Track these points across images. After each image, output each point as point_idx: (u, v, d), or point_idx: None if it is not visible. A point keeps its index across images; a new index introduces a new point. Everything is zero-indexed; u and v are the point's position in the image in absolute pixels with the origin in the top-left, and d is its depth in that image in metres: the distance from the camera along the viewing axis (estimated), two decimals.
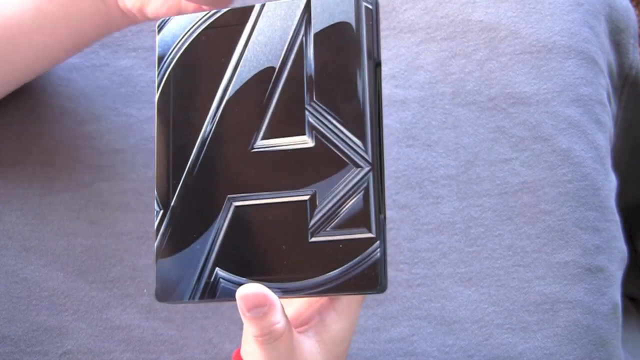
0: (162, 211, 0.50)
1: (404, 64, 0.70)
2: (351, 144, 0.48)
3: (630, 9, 0.74)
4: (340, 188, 0.47)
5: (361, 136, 0.47)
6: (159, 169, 0.51)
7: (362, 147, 0.47)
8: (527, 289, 0.65)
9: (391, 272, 0.66)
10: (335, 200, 0.47)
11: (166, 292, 0.49)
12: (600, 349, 0.65)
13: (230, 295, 0.48)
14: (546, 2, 0.70)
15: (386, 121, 0.68)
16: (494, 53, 0.69)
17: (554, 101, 0.68)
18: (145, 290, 0.66)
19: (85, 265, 0.66)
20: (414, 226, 0.67)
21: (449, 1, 0.71)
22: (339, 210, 0.47)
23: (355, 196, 0.47)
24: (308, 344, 0.50)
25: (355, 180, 0.47)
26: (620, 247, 0.69)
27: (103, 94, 0.70)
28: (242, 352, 0.54)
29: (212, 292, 0.49)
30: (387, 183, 0.67)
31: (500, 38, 0.69)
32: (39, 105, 0.69)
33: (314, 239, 0.47)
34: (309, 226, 0.48)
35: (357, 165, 0.47)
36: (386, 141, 0.68)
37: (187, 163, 0.50)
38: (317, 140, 0.48)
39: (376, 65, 0.48)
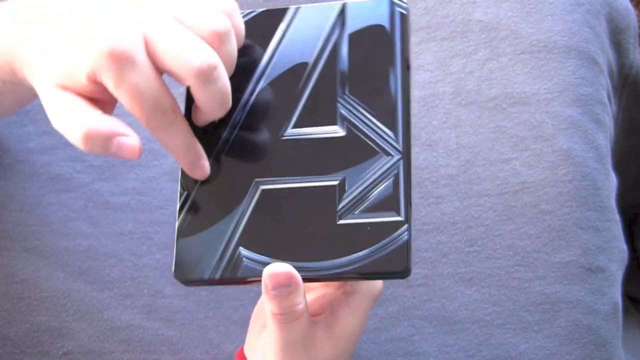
0: (185, 192, 0.51)
1: None
2: (382, 134, 0.49)
3: (631, 9, 0.74)
4: (370, 174, 0.48)
5: (392, 127, 0.48)
6: None
7: (394, 137, 0.48)
8: (527, 289, 0.65)
9: None
10: (364, 185, 0.48)
11: (186, 270, 0.49)
12: (600, 349, 0.65)
13: (253, 274, 0.48)
14: (546, 2, 0.70)
15: None
16: (494, 53, 0.69)
17: (555, 101, 0.68)
18: (145, 291, 0.66)
19: (86, 266, 0.66)
20: (414, 226, 0.67)
21: (449, 1, 0.71)
22: (368, 194, 0.48)
23: (385, 182, 0.48)
24: (318, 333, 0.51)
25: (386, 167, 0.48)
26: (620, 247, 0.69)
27: None
28: (246, 349, 0.54)
29: (235, 270, 0.49)
30: None
31: (500, 38, 0.69)
32: (39, 105, 0.69)
33: (341, 222, 0.48)
34: (337, 209, 0.48)
35: (388, 154, 0.48)
36: None
37: (215, 147, 0.51)
38: (348, 130, 0.49)
39: (407, 67, 0.49)
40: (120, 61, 0.45)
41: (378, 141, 0.49)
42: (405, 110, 0.49)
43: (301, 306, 0.48)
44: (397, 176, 0.48)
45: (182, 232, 0.50)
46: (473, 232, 0.66)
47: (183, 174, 0.51)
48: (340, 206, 0.48)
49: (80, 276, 0.66)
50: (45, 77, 0.49)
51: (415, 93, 0.69)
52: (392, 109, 0.49)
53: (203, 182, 0.50)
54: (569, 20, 0.69)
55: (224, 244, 0.49)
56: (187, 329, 0.65)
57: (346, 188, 0.48)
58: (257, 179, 0.50)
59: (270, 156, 0.50)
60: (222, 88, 0.47)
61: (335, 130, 0.49)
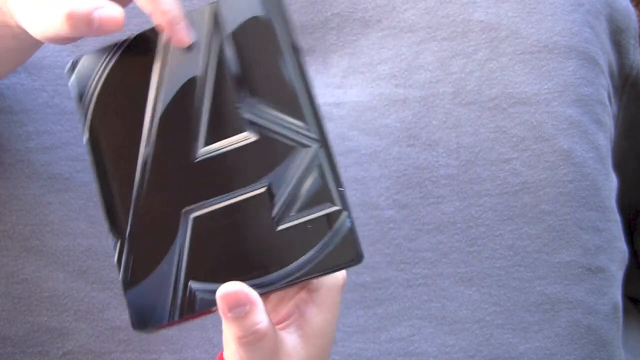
0: (119, 241, 0.50)
1: (404, 63, 0.70)
2: (293, 127, 0.48)
3: (631, 9, 0.74)
4: (294, 172, 0.47)
5: (300, 117, 0.48)
6: (106, 204, 0.50)
7: (305, 127, 0.47)
8: (527, 289, 0.65)
9: (392, 272, 0.66)
10: (292, 184, 0.47)
11: (143, 320, 0.48)
12: (601, 349, 0.65)
13: (211, 305, 0.47)
14: (547, 3, 0.70)
15: (386, 120, 0.68)
16: (494, 53, 0.69)
17: (555, 101, 0.68)
18: None
19: (86, 266, 0.66)
20: (414, 226, 0.67)
21: (450, 1, 0.71)
22: (298, 192, 0.47)
23: (311, 175, 0.47)
24: (290, 339, 0.50)
25: (308, 160, 0.47)
26: (621, 247, 0.69)
27: None
28: (225, 356, 0.54)
29: (191, 306, 0.48)
30: (387, 182, 0.67)
31: (501, 38, 0.69)
32: (38, 105, 0.69)
33: (281, 227, 0.47)
34: (273, 216, 0.47)
35: (305, 146, 0.47)
36: (386, 141, 0.68)
37: (132, 190, 0.50)
38: (258, 133, 0.48)
39: (296, 49, 0.49)
40: None
41: (291, 135, 0.48)
42: (307, 95, 0.48)
43: (264, 324, 0.47)
44: (320, 166, 0.47)
45: (128, 283, 0.49)
46: (473, 232, 0.66)
47: (110, 222, 0.50)
48: (274, 212, 0.47)
49: (81, 276, 0.66)
50: None
51: (415, 93, 0.69)
52: (294, 98, 0.48)
53: (133, 227, 0.49)
54: (570, 20, 0.69)
55: (172, 283, 0.48)
56: (187, 328, 0.65)
57: (274, 192, 0.47)
58: (184, 209, 0.49)
59: (190, 182, 0.49)
60: None
61: (246, 137, 0.48)
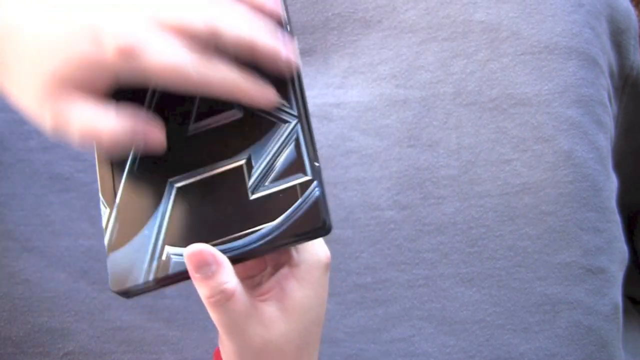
0: (108, 210, 0.51)
1: (405, 63, 0.70)
2: (276, 105, 0.50)
3: (631, 10, 0.74)
4: (272, 145, 0.49)
5: (285, 96, 0.49)
6: (101, 173, 0.52)
7: (287, 104, 0.49)
8: (528, 289, 0.65)
9: (392, 273, 0.66)
10: (269, 157, 0.49)
11: (120, 281, 0.50)
12: (601, 349, 0.65)
13: (184, 268, 0.48)
14: (547, 3, 0.70)
15: (387, 121, 0.68)
16: (495, 54, 0.69)
17: (555, 102, 0.68)
18: None
19: (87, 266, 0.66)
20: (415, 226, 0.67)
21: (450, 2, 0.71)
22: (274, 164, 0.49)
23: (287, 148, 0.49)
24: (268, 310, 0.50)
25: (286, 134, 0.49)
26: (621, 248, 0.69)
27: None
28: (220, 348, 0.54)
29: (165, 269, 0.49)
30: (388, 183, 0.67)
31: (501, 39, 0.69)
32: None
33: (254, 196, 0.49)
34: (249, 186, 0.49)
35: (285, 122, 0.49)
36: (387, 141, 0.68)
37: (127, 161, 0.51)
38: (245, 110, 0.50)
39: (288, 29, 0.50)
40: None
41: (274, 112, 0.49)
42: (295, 79, 0.49)
43: (230, 285, 0.47)
44: (297, 140, 0.49)
45: (112, 247, 0.51)
46: (474, 233, 0.67)
47: (103, 191, 0.52)
48: (250, 182, 0.49)
49: (82, 276, 0.66)
50: (35, 71, 0.48)
51: (416, 93, 0.69)
52: (283, 80, 0.49)
53: (122, 196, 0.51)
54: (570, 21, 0.70)
55: (150, 247, 0.50)
56: (188, 329, 0.65)
57: (253, 164, 0.49)
58: (170, 179, 0.51)
59: (180, 154, 0.51)
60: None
61: (234, 114, 0.50)
